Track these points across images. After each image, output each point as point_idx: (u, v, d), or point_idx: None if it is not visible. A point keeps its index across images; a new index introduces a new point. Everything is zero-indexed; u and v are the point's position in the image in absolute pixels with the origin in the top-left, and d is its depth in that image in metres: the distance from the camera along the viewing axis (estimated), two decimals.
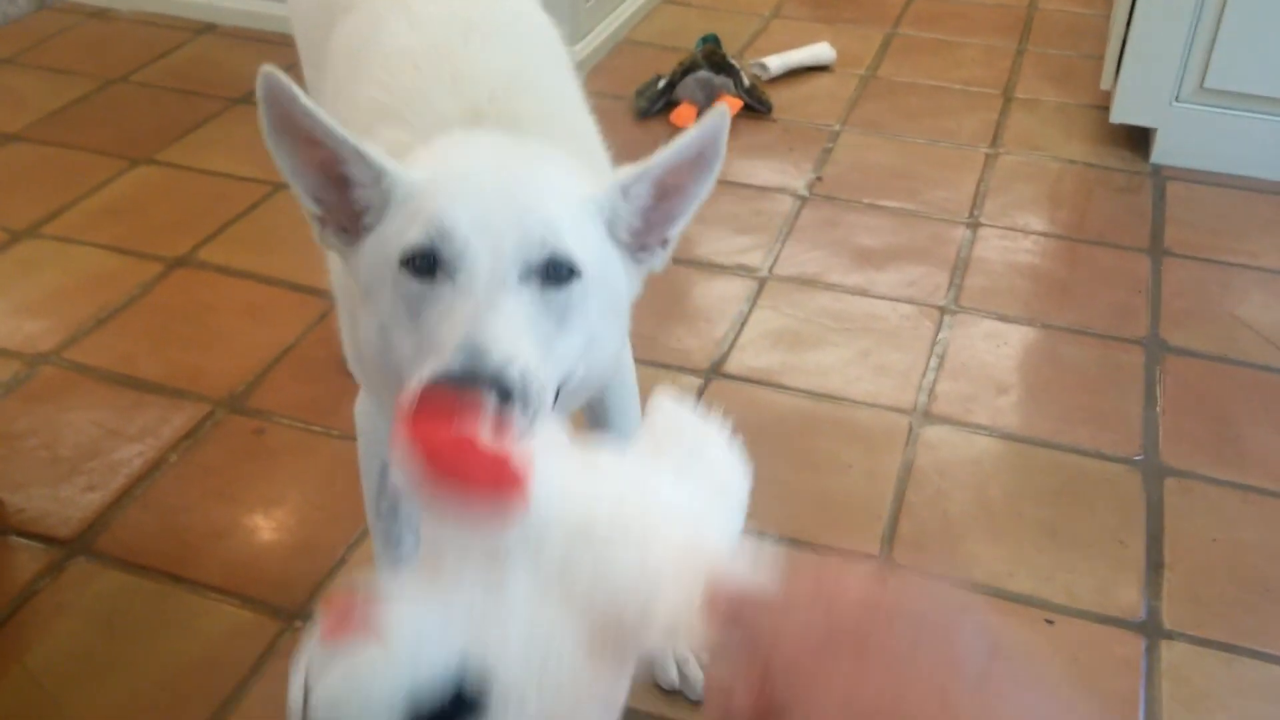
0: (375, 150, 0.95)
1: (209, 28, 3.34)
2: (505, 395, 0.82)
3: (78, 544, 1.70)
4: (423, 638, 0.64)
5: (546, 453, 0.67)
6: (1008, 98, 3.03)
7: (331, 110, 1.30)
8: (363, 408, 1.33)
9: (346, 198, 0.96)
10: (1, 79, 3.08)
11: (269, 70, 0.91)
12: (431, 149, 1.01)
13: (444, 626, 0.65)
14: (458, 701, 0.62)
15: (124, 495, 1.79)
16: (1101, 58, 3.02)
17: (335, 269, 1.25)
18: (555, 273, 0.92)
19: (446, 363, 0.84)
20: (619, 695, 0.69)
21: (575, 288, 0.93)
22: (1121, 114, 2.69)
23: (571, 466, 0.69)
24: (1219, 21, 2.49)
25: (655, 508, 0.70)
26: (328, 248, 1.01)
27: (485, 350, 0.84)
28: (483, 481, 0.64)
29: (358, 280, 0.99)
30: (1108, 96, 2.79)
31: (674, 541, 0.68)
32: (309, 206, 0.99)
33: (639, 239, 1.02)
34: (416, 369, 0.88)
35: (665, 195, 1.00)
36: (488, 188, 0.93)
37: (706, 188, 1.01)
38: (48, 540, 1.70)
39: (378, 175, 0.94)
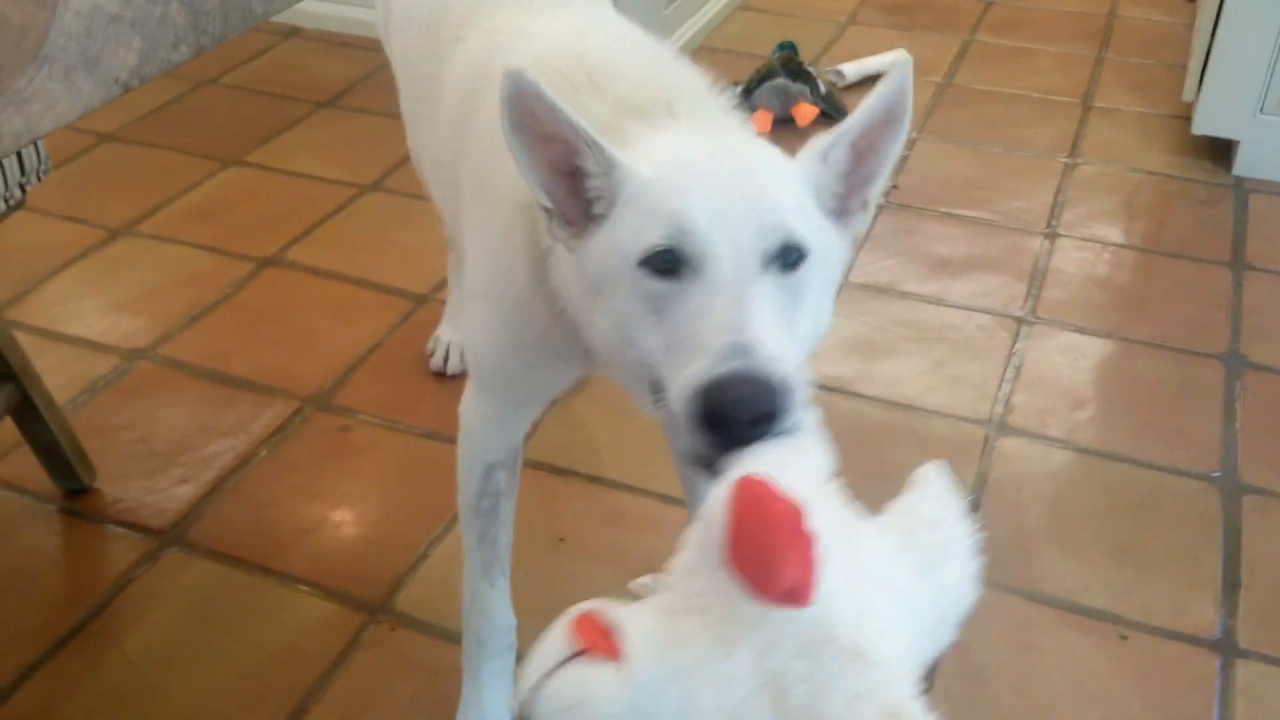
0: (608, 142, 0.97)
1: (294, 31, 3.43)
2: (776, 393, 0.85)
3: (171, 534, 1.77)
4: (653, 678, 0.71)
5: (828, 548, 0.73)
6: (1086, 106, 3.00)
7: (445, 141, 1.34)
8: (472, 407, 1.35)
9: (577, 191, 0.99)
10: None
11: (515, 70, 0.94)
12: (638, 146, 1.03)
13: (671, 672, 0.71)
14: None
15: (215, 488, 1.85)
16: (1183, 67, 2.99)
17: (476, 252, 1.27)
18: (789, 257, 0.94)
19: (717, 366, 0.86)
20: None
21: (805, 268, 0.95)
22: (1204, 125, 2.66)
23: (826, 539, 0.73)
24: None
25: (882, 634, 0.76)
26: (555, 240, 1.04)
27: (753, 350, 0.86)
28: (779, 578, 0.70)
29: (586, 274, 1.01)
30: (1189, 107, 2.76)
31: (882, 679, 0.74)
32: (541, 199, 1.01)
33: (842, 203, 1.04)
34: (672, 367, 0.91)
35: (860, 157, 1.02)
36: (715, 180, 0.95)
37: (899, 144, 1.03)
38: (143, 530, 1.78)
39: (610, 167, 0.97)
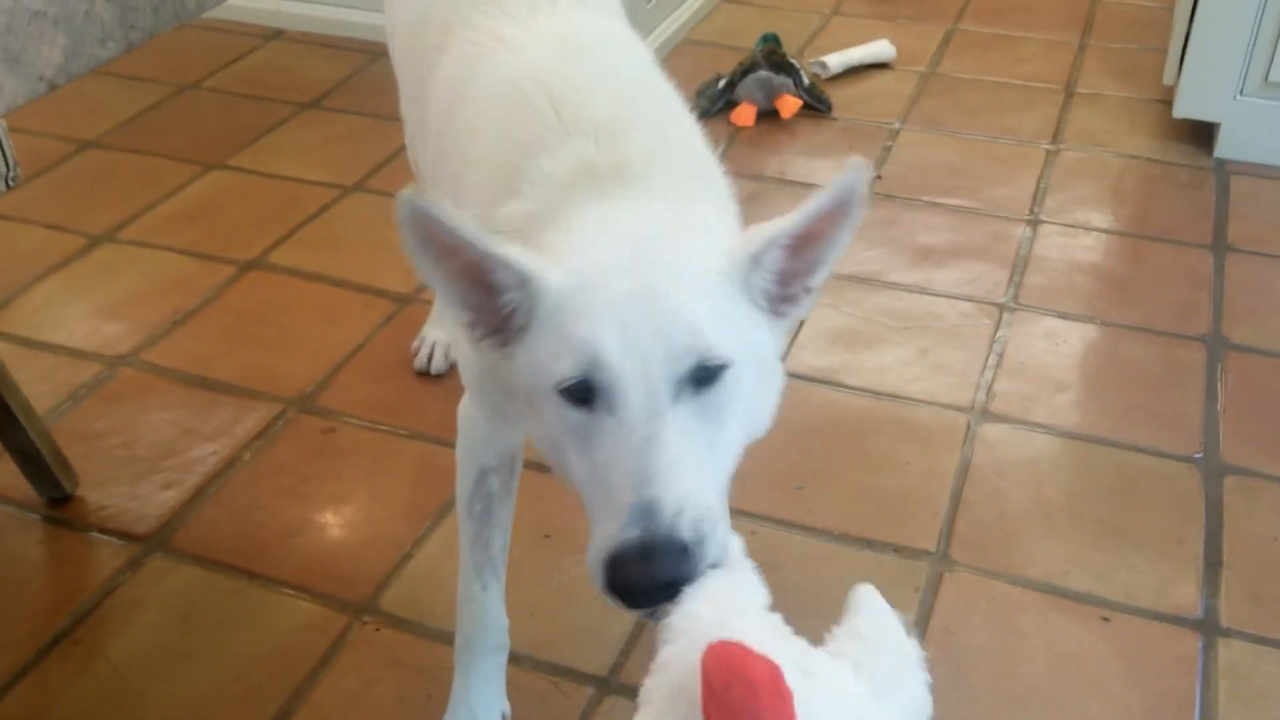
0: (518, 255, 0.95)
1: (277, 33, 3.43)
2: (681, 558, 0.86)
3: (155, 540, 1.77)
4: None
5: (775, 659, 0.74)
6: (1069, 93, 3.00)
7: (436, 150, 1.33)
8: (467, 412, 1.35)
9: (495, 302, 0.97)
10: (79, 86, 3.18)
11: (409, 198, 0.91)
12: (561, 234, 1.01)
13: None
14: None
15: (199, 493, 1.85)
16: (1165, 51, 2.98)
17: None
18: (705, 374, 0.93)
19: (619, 535, 0.87)
20: None
21: (727, 379, 0.94)
22: (1185, 109, 2.66)
23: (795, 680, 0.74)
24: None
25: None
26: (480, 351, 1.03)
27: (656, 511, 0.87)
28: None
29: (517, 385, 1.00)
30: (1170, 91, 2.76)
31: None
32: (460, 315, 0.99)
33: (778, 296, 1.00)
34: (593, 510, 0.93)
35: (803, 247, 0.98)
36: (628, 300, 0.93)
37: (848, 235, 0.99)
38: (127, 536, 1.78)
39: (524, 279, 0.95)
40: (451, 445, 1.93)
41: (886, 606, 0.91)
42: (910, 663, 0.89)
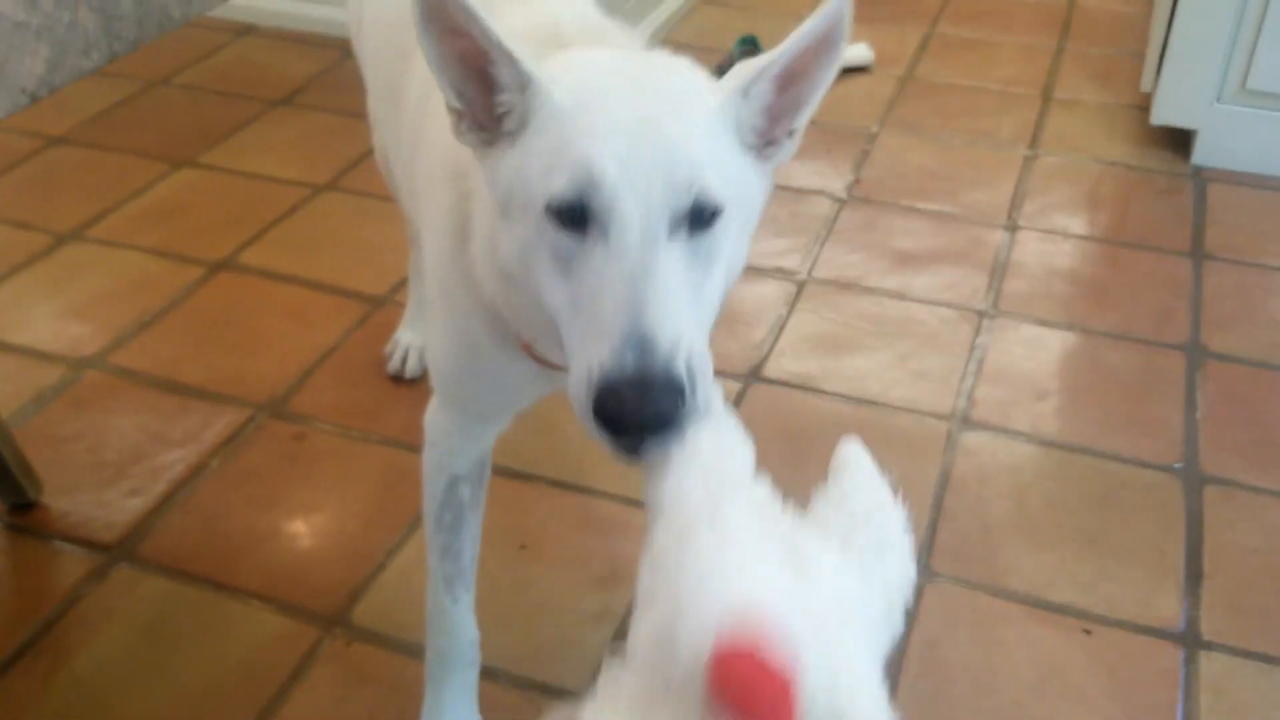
0: (525, 54, 0.92)
1: (249, 29, 3.37)
2: (674, 394, 0.83)
3: (121, 549, 1.73)
4: None
5: (764, 557, 0.73)
6: (1047, 98, 3.00)
7: (407, 137, 1.30)
8: (436, 419, 1.31)
9: (489, 98, 0.94)
10: None
11: None
12: (562, 61, 0.98)
13: None
14: None
15: (166, 500, 1.81)
16: (1142, 56, 2.99)
17: (433, 263, 1.21)
18: (700, 216, 0.90)
19: (613, 360, 0.84)
20: None
21: (718, 225, 0.92)
22: (1162, 115, 2.66)
23: (785, 580, 0.72)
24: (1261, 21, 2.46)
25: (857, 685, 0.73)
26: (463, 143, 0.98)
27: (652, 343, 0.83)
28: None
29: (493, 189, 0.97)
30: (1148, 97, 2.76)
31: None
32: (451, 101, 0.96)
33: (764, 136, 0.98)
34: (574, 337, 0.89)
35: (788, 85, 0.96)
36: (628, 123, 0.90)
37: (832, 72, 0.97)
38: (92, 545, 1.73)
39: (524, 82, 0.92)
40: (422, 452, 1.91)
41: (874, 469, 0.90)
42: (895, 533, 0.87)
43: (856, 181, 2.64)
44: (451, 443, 1.32)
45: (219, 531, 1.76)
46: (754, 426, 1.98)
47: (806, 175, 2.65)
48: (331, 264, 2.36)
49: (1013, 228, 2.47)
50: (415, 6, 0.90)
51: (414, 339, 2.07)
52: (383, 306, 2.24)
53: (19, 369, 2.08)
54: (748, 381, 2.05)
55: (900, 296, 2.26)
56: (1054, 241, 2.43)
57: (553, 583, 1.68)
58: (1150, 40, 2.81)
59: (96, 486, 1.84)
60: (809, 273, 2.33)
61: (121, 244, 2.43)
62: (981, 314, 2.21)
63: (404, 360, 2.06)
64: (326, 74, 3.13)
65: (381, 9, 1.48)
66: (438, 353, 1.26)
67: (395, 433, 1.94)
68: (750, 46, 2.96)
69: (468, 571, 1.40)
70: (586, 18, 1.16)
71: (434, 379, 1.29)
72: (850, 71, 3.12)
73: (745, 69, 0.95)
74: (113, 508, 1.79)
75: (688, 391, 0.84)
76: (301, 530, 1.78)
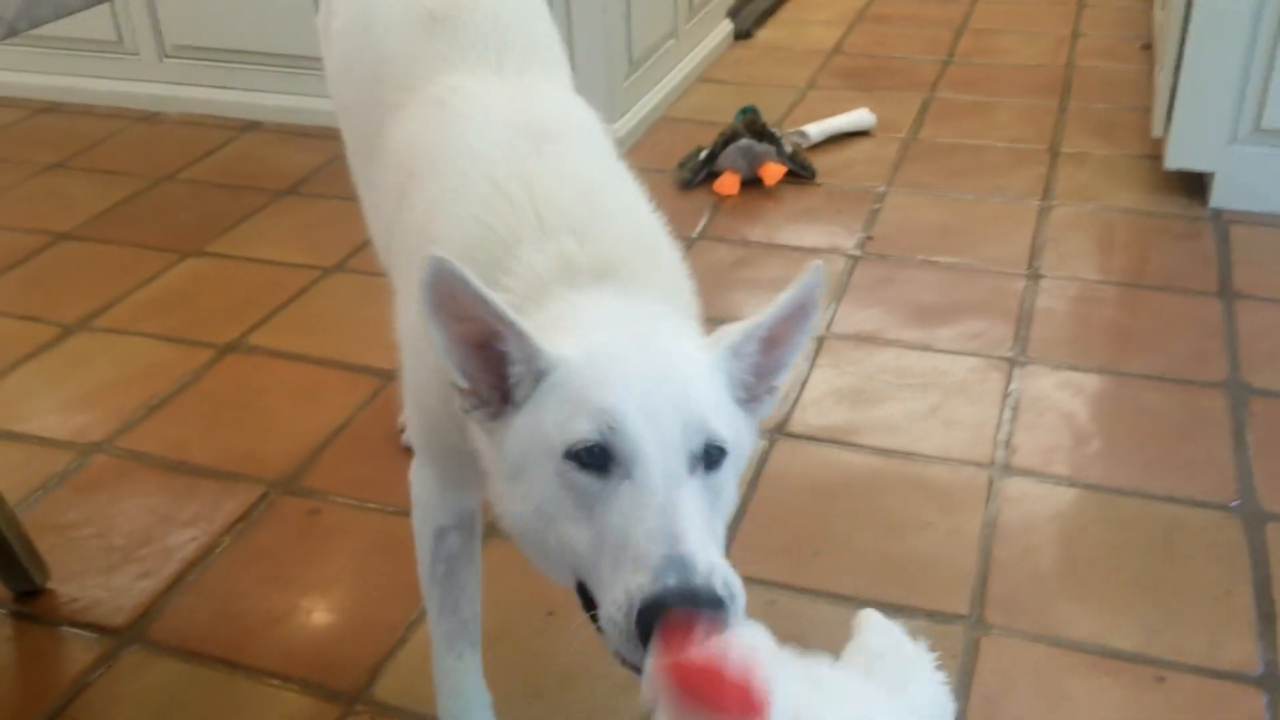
0: (534, 330, 0.96)
1: (253, 125, 3.39)
2: (718, 607, 0.85)
3: (130, 633, 1.64)
4: None
5: (780, 678, 0.78)
6: (1054, 153, 2.99)
7: (392, 215, 1.28)
8: (419, 476, 1.30)
9: (496, 372, 0.97)
10: (51, 182, 3.12)
11: (439, 257, 0.93)
12: (560, 320, 1.01)
13: None
14: None
15: (177, 582, 1.73)
16: (1145, 110, 2.99)
17: (404, 329, 1.21)
18: (711, 457, 0.94)
19: (657, 582, 0.85)
20: None
21: (725, 466, 0.96)
22: (1176, 160, 2.64)
23: (802, 689, 0.80)
24: (1272, 59, 2.45)
25: None
26: (469, 419, 1.01)
27: (691, 564, 0.86)
28: (732, 711, 0.75)
29: (502, 454, 0.99)
30: (1158, 146, 2.75)
31: None
32: (457, 381, 0.98)
33: (750, 391, 1.04)
34: (605, 571, 0.90)
35: (770, 347, 1.03)
36: (642, 375, 0.94)
37: (807, 336, 1.06)
38: (100, 630, 1.65)
39: (533, 354, 0.95)
40: None
41: (888, 622, 1.00)
42: (916, 663, 0.96)
43: (869, 238, 2.60)
44: (433, 497, 1.30)
45: (232, 611, 1.68)
46: (783, 481, 1.93)
47: (817, 235, 2.62)
48: (341, 343, 2.31)
49: (1035, 276, 2.43)
50: (425, 296, 0.94)
51: None
52: (393, 381, 2.18)
53: (26, 457, 2.01)
54: (773, 437, 1.98)
55: (924, 348, 2.21)
56: (1077, 287, 2.38)
57: (583, 649, 1.59)
58: (1158, 86, 2.80)
59: (104, 570, 1.76)
60: (827, 328, 2.28)
61: (129, 332, 2.39)
62: (1011, 361, 2.15)
63: None
64: (331, 164, 3.12)
65: (349, 62, 1.46)
66: (412, 418, 1.25)
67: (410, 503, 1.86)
68: (752, 114, 2.95)
69: (469, 627, 1.35)
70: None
71: (416, 440, 1.28)
72: (853, 136, 3.12)
73: (732, 331, 1.02)
74: (121, 591, 1.71)
75: (729, 607, 0.86)
76: (318, 606, 1.69)
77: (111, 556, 1.78)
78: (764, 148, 2.86)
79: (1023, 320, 2.27)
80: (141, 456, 2.01)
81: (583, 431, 0.91)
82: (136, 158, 3.22)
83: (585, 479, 0.92)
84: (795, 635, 1.58)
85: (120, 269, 2.63)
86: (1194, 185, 2.70)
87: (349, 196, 2.89)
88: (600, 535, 0.91)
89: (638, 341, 0.98)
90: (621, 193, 1.19)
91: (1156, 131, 2.74)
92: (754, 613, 1.49)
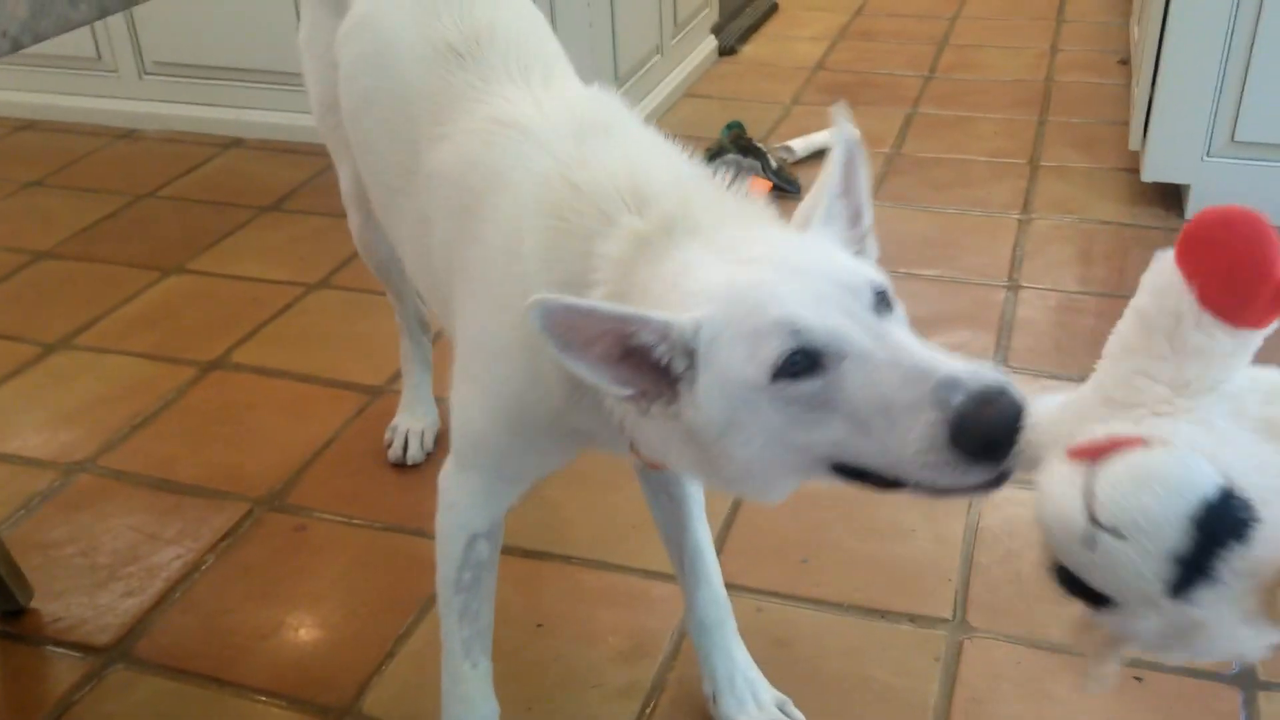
0: (652, 311, 0.97)
1: (236, 142, 3.39)
2: (1015, 392, 0.87)
3: (116, 651, 1.64)
4: (1188, 453, 0.73)
5: None
6: (1034, 165, 3.01)
7: (434, 233, 1.29)
8: (456, 479, 1.29)
9: (649, 366, 0.98)
10: (31, 200, 3.12)
11: (538, 301, 0.93)
12: (665, 294, 1.01)
13: (1194, 446, 0.73)
14: (1229, 506, 0.71)
15: (163, 599, 1.73)
16: (1123, 124, 3.02)
17: (479, 340, 1.23)
18: (881, 301, 0.97)
19: (950, 400, 0.86)
20: None
21: (896, 306, 0.99)
22: (1153, 172, 2.67)
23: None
24: (1246, 73, 2.48)
25: None
26: (652, 418, 1.01)
27: (961, 374, 0.88)
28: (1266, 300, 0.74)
29: (700, 424, 0.98)
30: (1136, 159, 2.78)
31: None
32: (620, 393, 1.00)
33: (855, 244, 1.08)
34: (879, 438, 0.90)
35: (845, 197, 1.08)
36: (776, 272, 0.96)
37: (866, 176, 1.09)
38: (85, 649, 1.64)
39: (668, 331, 0.96)
40: (430, 536, 1.82)
41: None
42: None
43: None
44: (474, 502, 1.29)
45: (219, 628, 1.68)
46: None
47: None
48: (326, 358, 2.32)
49: (1015, 287, 2.45)
50: (550, 342, 0.95)
51: (413, 424, 2.02)
52: (381, 396, 2.19)
53: (9, 476, 2.01)
54: None
55: None
56: (1057, 298, 2.40)
57: (574, 660, 1.59)
58: (1134, 100, 2.83)
59: (89, 589, 1.75)
60: None
61: (112, 350, 2.39)
62: None
63: (405, 447, 2.00)
64: (315, 179, 3.13)
65: (368, 98, 1.45)
66: (478, 424, 1.24)
67: (399, 519, 1.87)
68: (738, 129, 2.98)
69: (485, 634, 1.34)
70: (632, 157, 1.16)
71: (463, 445, 1.27)
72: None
73: (812, 201, 1.06)
74: (106, 610, 1.71)
75: (1022, 394, 0.87)
76: (305, 621, 1.69)
77: (96, 575, 1.78)
78: (750, 163, 2.88)
79: (1004, 330, 2.29)
80: (125, 475, 2.00)
81: (774, 350, 0.92)
82: (117, 175, 3.22)
83: (806, 384, 0.92)
84: (783, 641, 1.60)
85: (102, 287, 2.63)
86: (1171, 197, 2.73)
87: (333, 212, 2.90)
88: (853, 415, 0.91)
89: (745, 255, 1.00)
90: (659, 154, 1.20)
91: (1134, 145, 2.77)
92: (742, 620, 1.51)
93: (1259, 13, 2.41)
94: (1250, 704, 1.48)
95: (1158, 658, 0.79)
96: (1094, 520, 0.73)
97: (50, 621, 1.70)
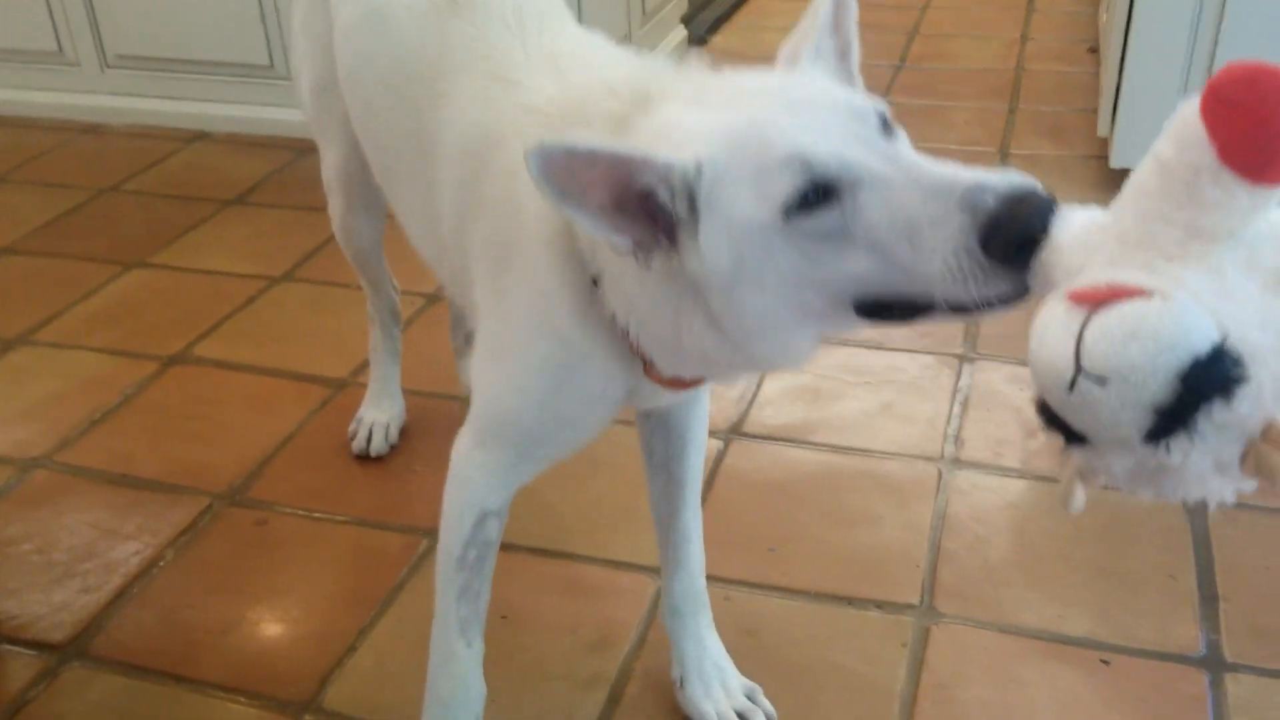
0: (654, 151, 0.93)
1: (201, 135, 3.35)
2: (1045, 192, 0.86)
3: (72, 648, 1.61)
4: (1187, 303, 0.71)
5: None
6: (1005, 154, 3.01)
7: (443, 200, 1.27)
8: (475, 456, 1.25)
9: (649, 211, 0.94)
10: None
11: (536, 146, 0.89)
12: (670, 127, 0.97)
13: (1197, 298, 0.72)
14: (1219, 363, 0.70)
15: (120, 595, 1.70)
16: (1093, 111, 3.01)
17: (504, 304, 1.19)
18: (886, 125, 0.94)
19: (983, 205, 0.84)
20: None
21: (896, 128, 0.96)
22: (1122, 158, 2.66)
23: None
24: (1212, 60, 2.48)
25: None
26: (651, 269, 0.97)
27: (985, 182, 0.85)
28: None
29: (709, 273, 0.94)
30: (1104, 145, 2.77)
31: None
32: (618, 243, 0.95)
33: (844, 78, 1.05)
34: (903, 259, 0.87)
35: (834, 34, 1.05)
36: (774, 107, 0.93)
37: (855, 14, 1.06)
38: (40, 646, 1.61)
39: (668, 170, 0.92)
40: (394, 529, 1.82)
41: None
42: None
43: None
44: (492, 479, 1.25)
45: (178, 624, 1.65)
46: (739, 480, 1.92)
47: None
48: (290, 352, 2.29)
49: None
50: (547, 189, 0.91)
51: (378, 416, 2.00)
52: (345, 389, 2.16)
53: None
54: (729, 438, 1.97)
55: (878, 347, 2.21)
56: None
57: (540, 652, 1.57)
58: (1103, 86, 2.83)
59: (45, 586, 1.72)
60: None
61: (71, 346, 2.35)
62: (961, 358, 2.16)
63: (369, 439, 1.97)
64: (280, 173, 3.10)
65: (368, 60, 1.43)
66: (512, 403, 1.20)
67: (361, 512, 1.85)
68: None
69: (482, 615, 1.32)
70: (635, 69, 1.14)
71: (489, 423, 1.23)
72: None
73: (801, 34, 1.04)
74: (62, 607, 1.68)
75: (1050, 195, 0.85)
76: (266, 616, 1.67)
77: (52, 572, 1.75)
78: None
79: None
80: (84, 471, 1.97)
81: (785, 187, 0.89)
82: (80, 170, 3.18)
83: (823, 217, 0.89)
84: (751, 630, 1.59)
85: (63, 282, 2.59)
86: None
87: (298, 206, 2.88)
88: (875, 244, 0.88)
89: (736, 95, 0.97)
90: (629, 59, 1.18)
91: (1102, 131, 2.77)
92: (710, 609, 1.49)
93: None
94: (1217, 685, 1.47)
95: (1129, 492, 0.81)
96: (1080, 368, 0.73)
97: (4, 619, 1.66)
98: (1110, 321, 0.72)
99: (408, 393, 2.05)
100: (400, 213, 1.49)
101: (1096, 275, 0.78)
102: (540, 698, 1.51)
